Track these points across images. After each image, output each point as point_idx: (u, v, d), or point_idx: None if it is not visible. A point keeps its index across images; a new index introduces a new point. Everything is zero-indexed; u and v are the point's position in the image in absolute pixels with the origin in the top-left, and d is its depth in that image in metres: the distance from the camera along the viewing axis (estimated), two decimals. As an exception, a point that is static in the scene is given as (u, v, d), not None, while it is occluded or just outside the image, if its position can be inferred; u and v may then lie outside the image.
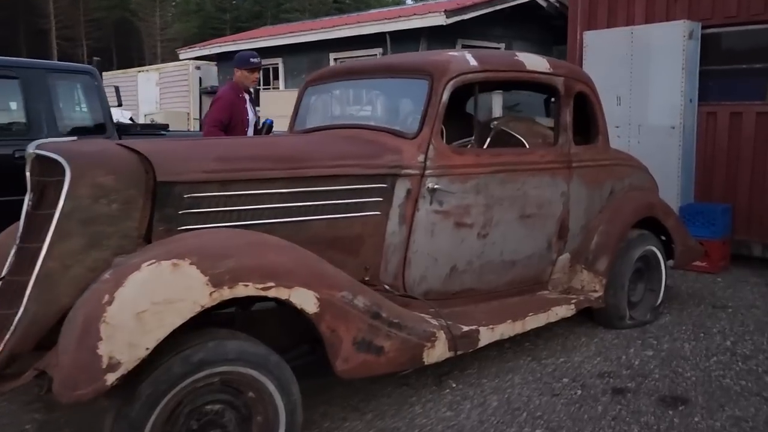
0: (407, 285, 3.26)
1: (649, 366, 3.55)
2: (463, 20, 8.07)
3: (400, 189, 3.15)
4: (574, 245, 3.93)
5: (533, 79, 3.61)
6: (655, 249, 4.31)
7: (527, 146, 3.80)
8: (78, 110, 5.50)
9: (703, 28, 6.09)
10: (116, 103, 6.25)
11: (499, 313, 3.47)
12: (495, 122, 3.87)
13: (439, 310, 3.18)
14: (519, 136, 3.82)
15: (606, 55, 6.42)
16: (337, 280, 2.58)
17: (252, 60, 5.09)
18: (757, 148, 5.85)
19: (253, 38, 12.03)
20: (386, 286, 3.13)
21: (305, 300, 2.39)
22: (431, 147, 3.21)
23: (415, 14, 8.30)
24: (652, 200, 4.32)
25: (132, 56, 48.60)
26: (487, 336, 3.19)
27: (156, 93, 14.53)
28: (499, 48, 9.24)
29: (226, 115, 4.85)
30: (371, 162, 3.07)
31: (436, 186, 3.21)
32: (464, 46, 8.69)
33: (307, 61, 10.18)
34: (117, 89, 5.71)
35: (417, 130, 3.23)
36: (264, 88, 11.12)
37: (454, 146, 3.56)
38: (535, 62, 3.65)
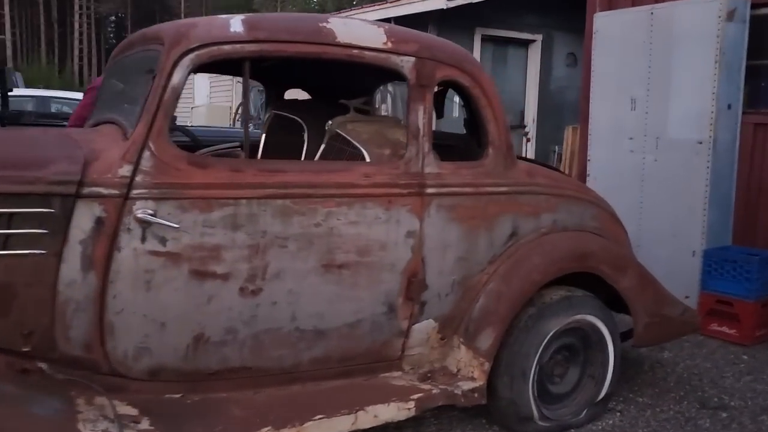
0: (113, 359, 2.17)
1: None
2: (474, 4, 6.73)
3: (83, 217, 2.05)
4: (441, 309, 2.65)
5: (352, 58, 2.36)
6: (594, 319, 2.90)
7: (368, 158, 2.57)
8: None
9: (753, 7, 4.44)
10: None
11: (293, 407, 2.30)
12: (330, 124, 2.66)
13: (177, 399, 2.08)
14: (358, 144, 2.59)
15: (619, 44, 4.91)
16: None
17: None
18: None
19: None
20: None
21: None
22: (146, 154, 2.09)
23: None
24: (587, 247, 2.91)
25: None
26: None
27: (207, 85, 14.16)
28: (533, 40, 7.78)
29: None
30: (23, 174, 2.00)
31: (151, 215, 2.09)
32: (484, 37, 7.36)
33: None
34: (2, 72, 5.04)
35: (132, 128, 2.13)
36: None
37: (198, 155, 2.41)
38: (358, 33, 2.40)
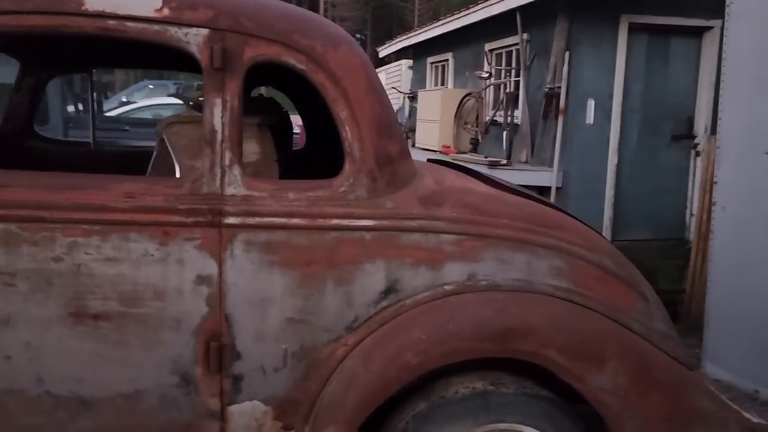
0: None
1: None
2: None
3: None
4: (272, 389, 1.85)
5: (108, 32, 1.69)
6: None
7: (178, 172, 1.88)
8: None
9: None
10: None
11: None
12: (159, 125, 2.02)
13: None
14: (172, 153, 1.92)
15: (760, 15, 3.44)
16: None
17: None
18: None
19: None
20: None
21: None
22: None
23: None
24: (519, 318, 1.83)
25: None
26: None
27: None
28: (709, 28, 6.08)
29: None
30: None
31: None
32: (633, 27, 5.91)
33: (471, 56, 8.37)
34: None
35: None
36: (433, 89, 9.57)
37: None
38: (121, -3, 1.72)
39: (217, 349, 1.80)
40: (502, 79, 7.46)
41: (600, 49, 5.99)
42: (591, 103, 6.04)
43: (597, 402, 1.86)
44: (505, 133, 6.77)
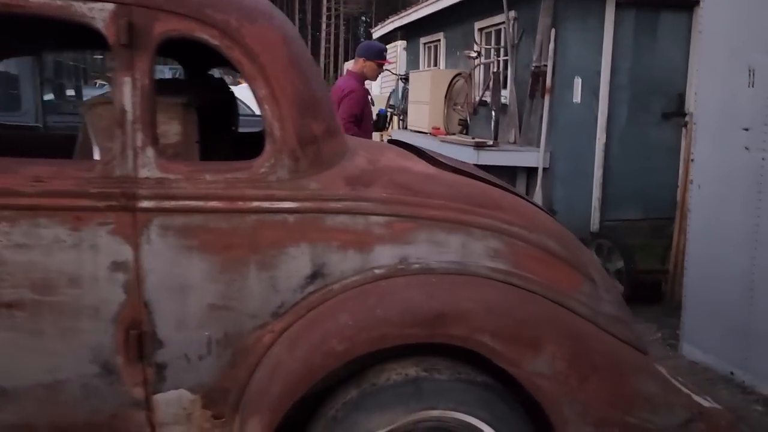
0: None
1: None
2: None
3: None
4: (198, 377, 1.80)
5: (3, 8, 1.61)
6: (473, 421, 1.79)
7: (96, 155, 1.82)
8: None
9: None
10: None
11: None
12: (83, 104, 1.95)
13: None
14: (92, 135, 1.85)
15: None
16: None
17: (385, 53, 4.88)
18: None
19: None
20: None
21: None
22: None
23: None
24: (451, 302, 1.77)
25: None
26: None
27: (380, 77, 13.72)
28: (696, 1, 5.89)
29: (359, 110, 4.58)
30: None
31: None
32: (620, 1, 5.73)
33: (462, 35, 8.22)
34: None
35: None
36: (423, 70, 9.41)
37: None
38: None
39: (137, 337, 1.74)
40: (491, 59, 7.32)
41: (587, 25, 5.85)
42: (578, 81, 5.90)
43: (533, 387, 1.79)
44: (493, 113, 6.65)
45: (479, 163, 6.22)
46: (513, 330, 1.79)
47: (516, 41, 6.58)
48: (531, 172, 6.24)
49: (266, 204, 1.72)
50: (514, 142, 6.55)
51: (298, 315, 1.78)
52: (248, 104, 9.65)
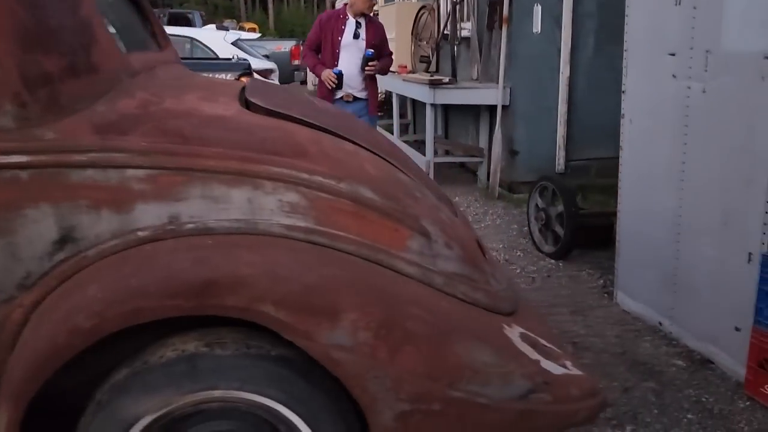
0: None
1: None
2: None
3: None
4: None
5: None
6: (274, 405, 1.56)
7: None
8: None
9: None
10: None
11: None
12: None
13: None
14: None
15: None
16: None
17: None
18: None
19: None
20: None
21: None
22: None
23: None
24: (226, 268, 1.49)
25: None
26: None
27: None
28: None
29: (315, 35, 4.74)
30: None
31: None
32: None
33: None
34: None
35: None
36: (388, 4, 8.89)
37: None
38: None
39: None
40: (456, -11, 6.82)
41: (547, -55, 5.36)
42: (538, 9, 5.44)
43: (330, 362, 1.54)
44: (453, 48, 6.23)
45: (435, 102, 5.87)
46: (302, 297, 1.52)
47: (477, -33, 6.09)
48: (494, 110, 5.86)
49: None
50: (477, 79, 6.15)
51: (48, 286, 1.53)
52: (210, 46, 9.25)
